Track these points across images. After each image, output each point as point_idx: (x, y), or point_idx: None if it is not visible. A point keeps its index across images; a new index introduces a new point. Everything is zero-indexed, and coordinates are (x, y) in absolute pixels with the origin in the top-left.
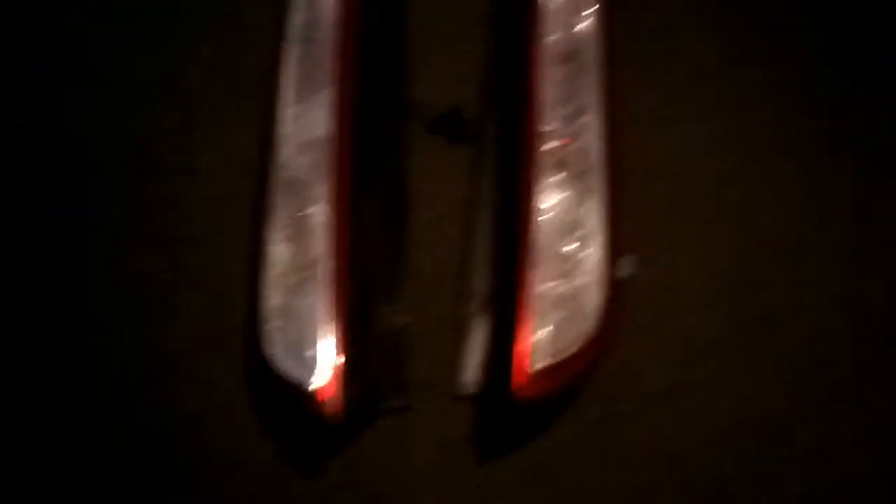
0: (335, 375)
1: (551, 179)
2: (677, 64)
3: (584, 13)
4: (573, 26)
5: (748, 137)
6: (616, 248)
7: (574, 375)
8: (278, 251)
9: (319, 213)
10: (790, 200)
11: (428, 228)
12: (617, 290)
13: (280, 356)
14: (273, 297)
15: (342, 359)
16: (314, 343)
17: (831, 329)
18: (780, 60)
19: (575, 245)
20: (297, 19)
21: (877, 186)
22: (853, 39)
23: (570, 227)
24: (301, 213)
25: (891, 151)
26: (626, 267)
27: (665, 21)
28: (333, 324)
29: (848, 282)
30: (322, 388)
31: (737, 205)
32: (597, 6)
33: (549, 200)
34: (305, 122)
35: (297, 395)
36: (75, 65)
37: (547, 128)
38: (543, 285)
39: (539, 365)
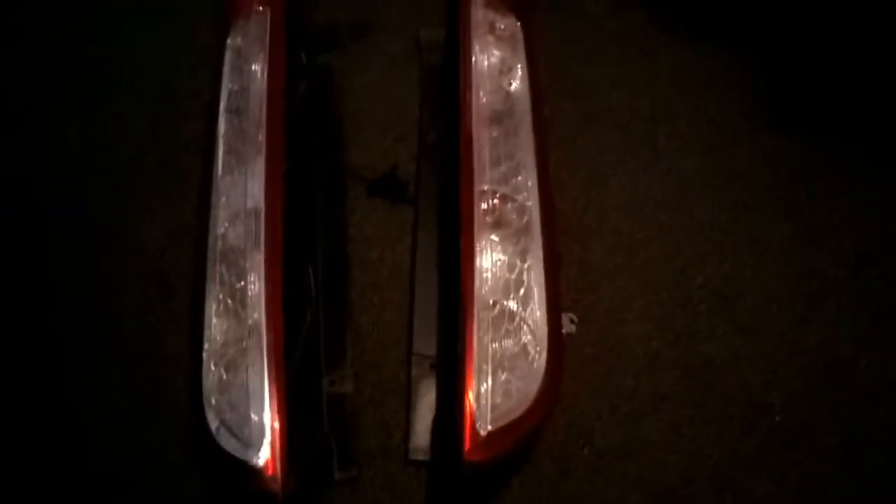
0: (277, 450)
1: (491, 237)
2: (609, 120)
3: (514, 73)
4: (505, 87)
5: (682, 190)
6: (558, 304)
7: (525, 435)
8: (215, 324)
9: (253, 284)
10: (728, 249)
11: (370, 292)
12: (562, 347)
13: (221, 432)
14: (212, 371)
15: (283, 433)
16: (254, 418)
17: (777, 373)
18: (710, 113)
19: (517, 303)
20: (227, 89)
21: (811, 232)
22: (782, 90)
23: (511, 285)
24: (237, 285)
25: (823, 198)
26: (569, 323)
27: (595, 77)
28: (272, 397)
29: (788, 326)
30: (264, 465)
31: (676, 255)
32: (527, 66)
33: (490, 259)
34: (238, 192)
35: (241, 471)
36: (6, 139)
37: (485, 186)
38: (488, 345)
39: (489, 427)
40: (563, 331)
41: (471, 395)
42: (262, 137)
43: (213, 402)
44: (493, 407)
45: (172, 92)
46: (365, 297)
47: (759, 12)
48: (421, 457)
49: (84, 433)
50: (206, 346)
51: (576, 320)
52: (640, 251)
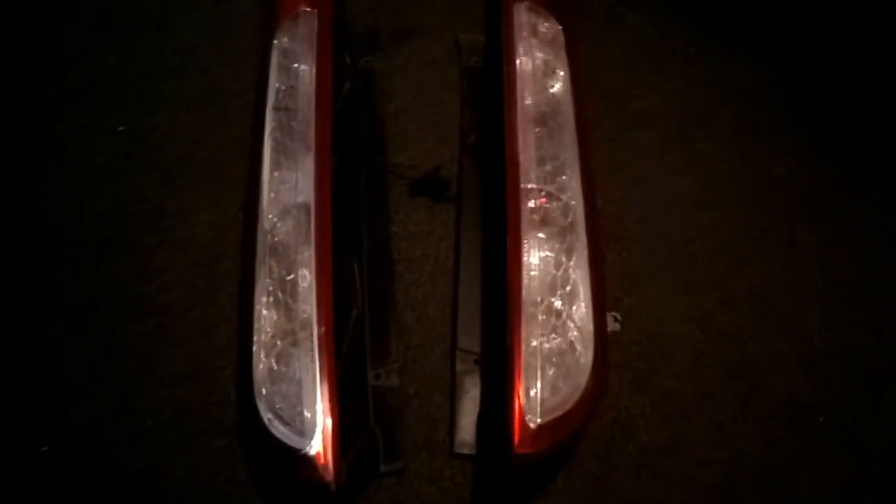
0: (329, 440)
1: (538, 235)
2: (647, 123)
3: (556, 75)
4: (548, 88)
5: (722, 193)
6: (602, 302)
7: (573, 431)
8: (266, 316)
9: (304, 277)
10: (769, 251)
11: (414, 288)
12: (607, 344)
13: (273, 422)
14: (262, 362)
15: (335, 423)
16: (306, 408)
17: (820, 374)
18: (747, 116)
19: (563, 300)
20: (274, 89)
21: (851, 235)
22: (820, 94)
23: (557, 283)
24: (286, 278)
25: (863, 202)
26: (613, 322)
27: (633, 81)
28: (324, 387)
29: (831, 328)
30: (317, 454)
31: (717, 257)
32: (568, 69)
33: (537, 256)
34: (287, 187)
35: (293, 460)
36: (55, 136)
37: (531, 185)
38: (536, 341)
39: (539, 420)
40: (608, 329)
41: (520, 390)
42: (311, 134)
43: (264, 392)
44: (543, 401)
45: (217, 91)
46: (409, 293)
47: (797, 17)
48: (466, 451)
49: (133, 425)
50: (256, 337)
51: (619, 319)
52: (681, 252)
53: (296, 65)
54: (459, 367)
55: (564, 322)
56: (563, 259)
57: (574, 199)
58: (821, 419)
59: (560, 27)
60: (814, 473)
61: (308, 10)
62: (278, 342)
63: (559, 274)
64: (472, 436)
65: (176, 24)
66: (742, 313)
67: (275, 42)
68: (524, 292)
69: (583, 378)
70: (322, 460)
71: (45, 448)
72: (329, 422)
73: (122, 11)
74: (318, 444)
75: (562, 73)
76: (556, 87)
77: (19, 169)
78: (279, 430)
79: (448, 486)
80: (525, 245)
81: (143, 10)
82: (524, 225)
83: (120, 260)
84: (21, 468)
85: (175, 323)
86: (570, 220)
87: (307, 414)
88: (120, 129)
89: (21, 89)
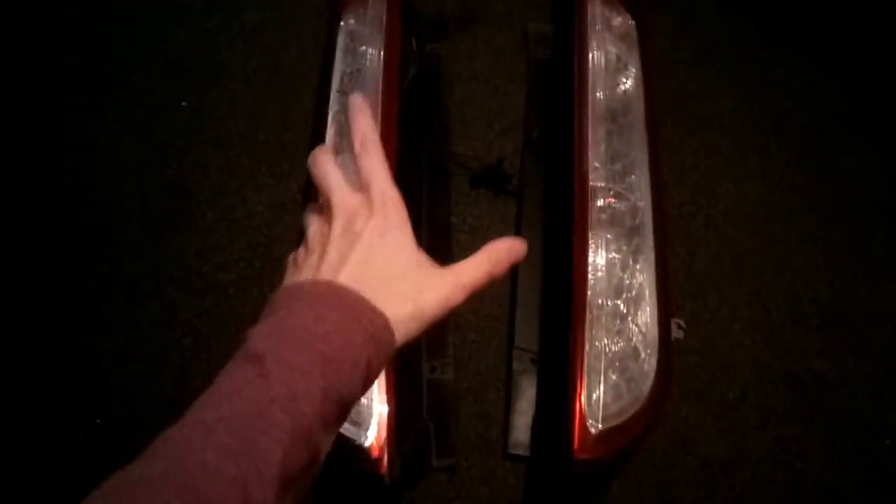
0: (387, 431)
1: (606, 235)
2: (717, 125)
3: (629, 72)
4: (620, 84)
5: (793, 201)
6: (668, 308)
7: (634, 438)
8: None
9: None
10: (841, 265)
11: None
12: (670, 351)
13: None
14: None
15: (392, 415)
16: (363, 398)
17: (889, 396)
18: (823, 123)
19: (628, 304)
20: (339, 72)
21: None
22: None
23: (621, 286)
24: None
25: None
26: (677, 329)
27: (704, 82)
28: (383, 378)
29: None
30: (371, 445)
31: (785, 268)
32: (640, 66)
33: (603, 257)
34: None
35: (347, 451)
36: (119, 107)
37: (600, 183)
38: (599, 344)
39: (600, 426)
40: (672, 336)
41: (582, 393)
42: (377, 119)
43: None
44: (604, 406)
45: (281, 71)
46: None
47: (874, 22)
48: (520, 451)
49: (188, 404)
50: None
51: (683, 326)
52: (748, 261)
53: (363, 48)
54: (516, 365)
55: (628, 326)
56: (630, 261)
57: (642, 200)
58: (888, 442)
59: (633, 22)
60: (880, 499)
61: None
62: None
63: (624, 276)
64: (527, 436)
65: (243, 1)
66: (809, 327)
67: (341, 24)
68: (589, 293)
69: (646, 385)
70: (377, 452)
71: (99, 421)
72: (386, 412)
73: None
74: (374, 434)
75: (634, 70)
76: (628, 83)
77: (82, 138)
78: None
79: (500, 487)
80: (592, 244)
81: None
82: (591, 224)
83: (179, 235)
84: (77, 441)
85: (232, 302)
86: (637, 221)
87: (363, 404)
88: (183, 104)
89: (87, 58)
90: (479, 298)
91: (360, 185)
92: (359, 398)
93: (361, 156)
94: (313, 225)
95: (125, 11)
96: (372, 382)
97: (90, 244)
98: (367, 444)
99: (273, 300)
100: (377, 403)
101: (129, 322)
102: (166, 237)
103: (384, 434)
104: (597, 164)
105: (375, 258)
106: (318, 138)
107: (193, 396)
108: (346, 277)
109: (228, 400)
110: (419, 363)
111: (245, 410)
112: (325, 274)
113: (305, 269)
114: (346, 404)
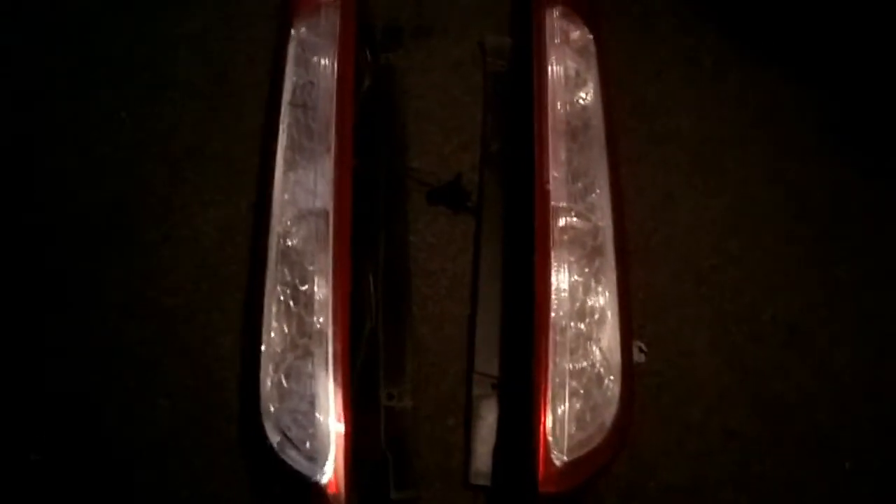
0: (341, 467)
1: (566, 258)
2: (676, 140)
3: (587, 87)
4: (579, 100)
5: (752, 218)
6: (630, 331)
7: (599, 468)
8: (275, 327)
9: (320, 288)
10: (799, 283)
11: (430, 303)
12: (633, 376)
13: (281, 444)
14: (270, 376)
15: (348, 449)
16: (318, 431)
17: (849, 417)
18: (780, 138)
19: (591, 327)
20: (291, 84)
21: (885, 271)
22: (856, 117)
23: (584, 309)
24: (301, 288)
25: None
26: (638, 353)
27: (663, 96)
28: (337, 409)
29: (862, 368)
30: (329, 482)
31: (745, 286)
32: (599, 80)
33: (566, 279)
34: (304, 190)
35: (301, 487)
36: (58, 125)
37: (562, 203)
38: (563, 369)
39: (565, 457)
40: (635, 359)
41: (546, 423)
42: (331, 135)
43: (272, 410)
44: (569, 436)
45: (228, 82)
46: (425, 308)
47: (832, 35)
48: (482, 481)
49: (130, 437)
50: (264, 348)
51: (645, 349)
52: (708, 279)
53: (315, 58)
54: (476, 390)
55: (591, 350)
56: (593, 283)
57: (603, 220)
58: (847, 464)
59: (591, 36)
60: None
61: (330, 0)
62: (288, 356)
63: (588, 299)
64: (489, 465)
65: (188, 7)
66: (770, 347)
67: (292, 32)
68: (552, 318)
69: (610, 412)
70: (334, 489)
71: (37, 457)
72: (342, 448)
73: None
74: (331, 471)
75: (592, 84)
76: (587, 98)
77: (14, 154)
78: (288, 455)
79: None
80: (554, 266)
81: None
82: (553, 246)
83: (122, 257)
84: (13, 476)
85: (178, 328)
86: (598, 241)
87: (319, 437)
88: (122, 115)
89: (17, 67)
90: (438, 320)
91: None
92: None
93: None
94: None
95: (59, 15)
96: None
97: (23, 267)
98: (324, 481)
99: None
100: (333, 437)
101: (68, 350)
102: (106, 259)
103: (342, 470)
104: (558, 184)
105: None
106: (269, 153)
107: (137, 432)
108: None
109: None
110: (376, 390)
111: None
112: None
113: None
114: None
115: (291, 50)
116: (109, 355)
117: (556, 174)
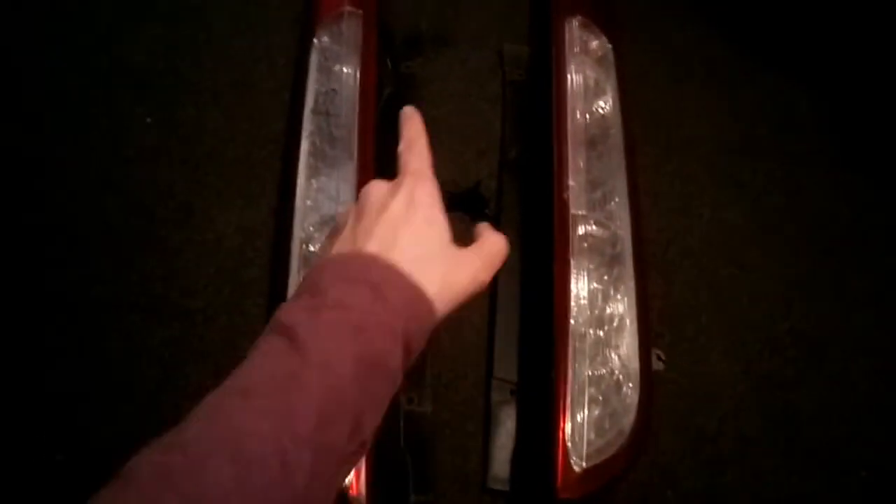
0: (362, 470)
1: (585, 265)
2: (691, 151)
3: (606, 96)
4: (598, 109)
5: (768, 228)
6: (648, 339)
7: (617, 475)
8: None
9: None
10: (815, 294)
11: None
12: (652, 384)
13: None
14: None
15: (370, 451)
16: None
17: (864, 428)
18: (795, 149)
19: (610, 335)
20: (313, 91)
21: None
22: (871, 130)
23: (603, 316)
24: None
25: None
26: (656, 361)
27: (678, 107)
28: None
29: (877, 380)
30: (350, 484)
31: (761, 296)
32: (618, 90)
33: (585, 287)
34: (326, 196)
35: None
36: (78, 122)
37: (581, 211)
38: (582, 376)
39: (584, 464)
40: (654, 367)
41: (565, 430)
42: (354, 142)
43: None
44: (588, 443)
45: (251, 87)
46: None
47: (849, 47)
48: (499, 486)
49: (153, 437)
50: None
51: (663, 358)
52: (724, 289)
53: (338, 67)
54: (495, 396)
55: (610, 358)
56: (612, 291)
57: (622, 228)
58: (863, 473)
59: (610, 45)
60: None
61: (352, 9)
62: None
63: (607, 307)
64: (507, 471)
65: (210, 13)
66: (786, 358)
67: (315, 41)
68: (571, 323)
69: (628, 419)
70: (354, 491)
71: (62, 458)
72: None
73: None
74: (352, 475)
75: (611, 94)
76: (606, 107)
77: (38, 154)
78: None
79: None
80: (573, 274)
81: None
82: (573, 253)
83: (144, 259)
84: (39, 476)
85: (199, 330)
86: (617, 249)
87: None
88: (147, 120)
89: (44, 70)
90: (457, 326)
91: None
92: (402, 369)
93: (404, 152)
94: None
95: (85, 21)
96: (415, 353)
97: (47, 269)
98: (345, 482)
99: (305, 277)
100: None
101: (91, 352)
102: (130, 261)
103: (362, 472)
104: (577, 192)
105: (404, 232)
106: (292, 159)
107: (160, 430)
108: (374, 248)
109: (261, 368)
110: (396, 394)
111: (279, 376)
112: (355, 246)
113: (338, 243)
114: (387, 374)
115: (313, 58)
116: (132, 357)
117: (574, 182)
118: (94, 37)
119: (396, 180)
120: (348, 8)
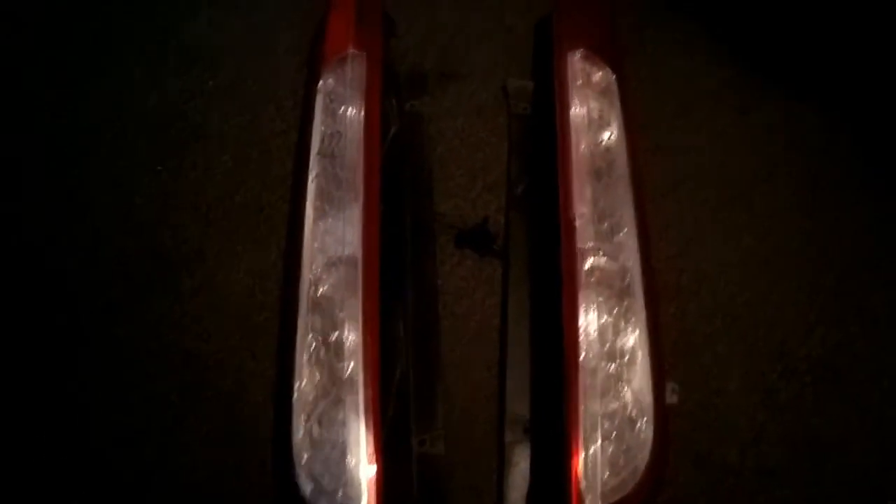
0: None
1: (594, 298)
2: (702, 178)
3: (611, 127)
4: (603, 140)
5: (782, 253)
6: (662, 371)
7: None
8: (307, 374)
9: (350, 335)
10: (833, 318)
11: (459, 347)
12: (667, 417)
13: (314, 494)
14: (302, 424)
15: (380, 497)
16: (350, 479)
17: (889, 452)
18: (808, 173)
19: (621, 369)
20: (319, 134)
21: None
22: (884, 152)
23: (615, 350)
24: (331, 335)
25: None
26: (671, 393)
27: (688, 134)
28: (370, 457)
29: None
30: None
31: (778, 323)
32: (623, 120)
33: (595, 320)
34: (333, 239)
35: None
36: (92, 173)
37: (588, 244)
38: (595, 413)
39: (600, 503)
40: (669, 400)
41: (579, 468)
42: (359, 184)
43: (304, 458)
44: (603, 482)
45: (258, 130)
46: (455, 352)
47: (859, 69)
48: None
49: (166, 483)
50: (295, 396)
51: (678, 390)
52: (739, 316)
53: (343, 108)
54: (508, 436)
55: (623, 392)
56: (622, 324)
57: (631, 259)
58: (890, 503)
59: (613, 76)
60: None
61: (356, 51)
62: (320, 403)
63: (618, 340)
64: None
65: (218, 59)
66: (804, 384)
67: (320, 84)
68: (581, 357)
69: (643, 454)
70: None
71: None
72: (374, 494)
73: (163, 45)
74: None
75: (616, 124)
76: (611, 138)
77: (55, 203)
78: (320, 502)
79: None
80: (582, 308)
81: (184, 45)
82: (581, 287)
83: (157, 304)
84: None
85: (211, 375)
86: (626, 282)
87: (351, 486)
88: (159, 168)
89: (59, 119)
90: (467, 364)
91: None
92: None
93: None
94: None
95: (96, 71)
96: None
97: (64, 314)
98: None
99: None
100: (365, 486)
101: (105, 398)
102: (143, 306)
103: None
104: (584, 224)
105: None
106: (299, 202)
107: (172, 479)
108: None
109: None
110: (408, 437)
111: None
112: None
113: None
114: None
115: (319, 101)
116: (145, 402)
117: (581, 215)
118: (106, 88)
119: None
120: (353, 50)
